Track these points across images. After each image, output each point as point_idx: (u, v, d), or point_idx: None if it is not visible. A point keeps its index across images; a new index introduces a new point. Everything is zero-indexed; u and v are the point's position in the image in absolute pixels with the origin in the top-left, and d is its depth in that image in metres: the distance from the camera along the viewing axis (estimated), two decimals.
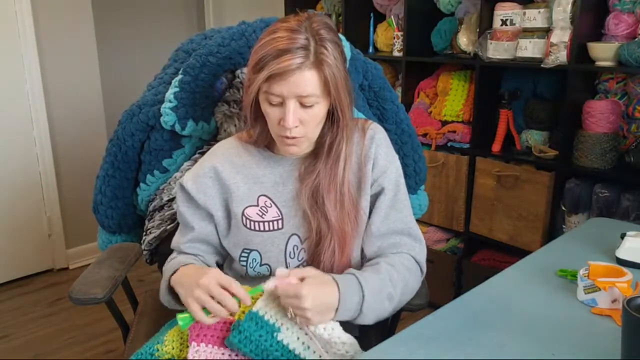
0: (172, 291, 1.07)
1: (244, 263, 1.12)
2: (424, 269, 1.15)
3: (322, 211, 1.07)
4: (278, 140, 1.06)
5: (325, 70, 0.97)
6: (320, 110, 1.01)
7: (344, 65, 1.04)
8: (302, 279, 0.94)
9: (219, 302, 0.94)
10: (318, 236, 1.08)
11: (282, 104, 0.99)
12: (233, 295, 0.95)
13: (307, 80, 0.96)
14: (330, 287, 0.97)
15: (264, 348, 0.95)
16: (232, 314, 0.97)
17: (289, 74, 0.95)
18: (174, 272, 1.06)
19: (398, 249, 1.11)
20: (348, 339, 0.97)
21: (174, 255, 1.17)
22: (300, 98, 0.98)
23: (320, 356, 0.97)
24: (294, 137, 1.02)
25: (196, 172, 1.14)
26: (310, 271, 0.98)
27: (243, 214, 1.10)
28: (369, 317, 1.01)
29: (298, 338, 0.97)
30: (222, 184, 1.12)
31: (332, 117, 1.07)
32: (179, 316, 0.97)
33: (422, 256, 1.14)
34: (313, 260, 1.09)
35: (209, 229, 1.15)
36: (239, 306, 0.96)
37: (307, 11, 1.05)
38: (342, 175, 1.07)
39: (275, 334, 0.95)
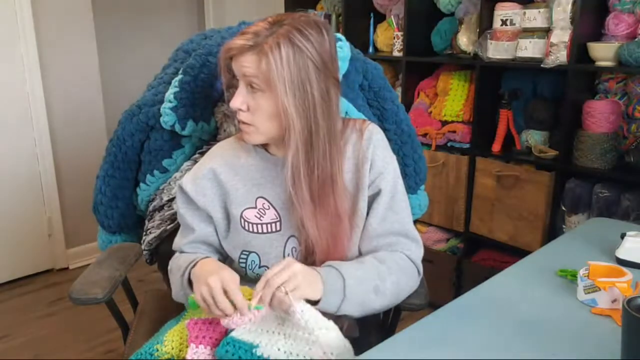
0: (191, 286, 1.07)
1: (243, 265, 1.12)
2: (421, 269, 1.14)
3: (300, 219, 1.07)
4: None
5: (263, 61, 0.98)
6: (265, 101, 1.01)
7: (309, 74, 1.00)
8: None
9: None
10: (305, 242, 1.08)
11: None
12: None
13: (249, 63, 0.99)
14: (312, 270, 0.99)
15: None
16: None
17: (236, 52, 1.00)
18: (194, 266, 1.06)
19: (392, 248, 1.11)
20: (329, 324, 0.95)
21: (177, 255, 1.17)
22: (246, 78, 1.01)
23: (304, 356, 0.96)
24: (244, 123, 1.05)
25: (195, 174, 1.14)
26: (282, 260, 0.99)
27: (241, 216, 1.11)
28: (353, 304, 1.01)
29: (279, 349, 0.95)
30: (221, 186, 1.13)
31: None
32: (191, 296, 1.01)
33: (418, 256, 1.14)
34: (307, 263, 1.09)
35: (209, 230, 1.15)
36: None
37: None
38: (292, 184, 1.04)
39: (254, 350, 0.94)
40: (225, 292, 0.95)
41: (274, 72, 0.98)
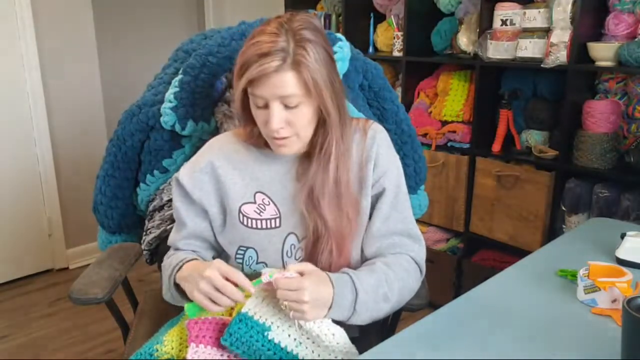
0: (177, 288, 1.07)
1: (240, 260, 1.12)
2: (424, 270, 1.15)
3: (318, 212, 1.07)
4: (269, 141, 1.07)
5: (303, 72, 0.97)
6: (306, 110, 1.01)
7: (331, 65, 1.02)
8: (301, 274, 0.96)
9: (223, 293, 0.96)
10: (315, 236, 1.08)
11: (267, 106, 1.00)
12: (237, 285, 0.96)
13: (287, 82, 0.97)
14: (327, 285, 0.98)
15: (256, 348, 0.96)
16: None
17: (268, 77, 0.96)
18: (179, 269, 1.06)
19: (397, 250, 1.11)
20: (337, 330, 0.98)
21: (171, 252, 1.17)
22: (283, 99, 0.98)
23: (312, 351, 0.97)
24: (283, 138, 1.03)
25: (192, 167, 1.14)
26: (308, 266, 0.99)
27: (240, 210, 1.10)
28: (363, 317, 1.01)
29: (289, 335, 0.98)
30: (218, 180, 1.12)
31: (322, 118, 1.07)
32: (187, 305, 0.99)
33: (422, 257, 1.14)
34: (310, 260, 1.09)
35: (203, 226, 1.14)
36: (244, 295, 0.97)
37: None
38: (335, 176, 1.07)
39: (266, 333, 0.96)
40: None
41: (318, 81, 0.98)
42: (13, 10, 2.54)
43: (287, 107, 0.99)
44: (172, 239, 1.18)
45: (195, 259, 1.09)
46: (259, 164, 1.12)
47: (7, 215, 2.69)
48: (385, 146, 1.14)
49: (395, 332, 1.20)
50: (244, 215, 1.10)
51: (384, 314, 1.06)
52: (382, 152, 1.12)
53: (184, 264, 1.06)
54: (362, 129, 1.13)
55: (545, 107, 2.20)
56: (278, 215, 1.10)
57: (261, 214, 1.10)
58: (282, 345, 0.96)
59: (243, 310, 0.97)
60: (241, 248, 1.12)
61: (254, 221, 1.10)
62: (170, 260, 1.12)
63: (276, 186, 1.11)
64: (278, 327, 0.97)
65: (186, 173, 1.14)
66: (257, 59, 0.96)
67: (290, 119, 1.01)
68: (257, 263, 1.11)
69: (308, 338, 0.98)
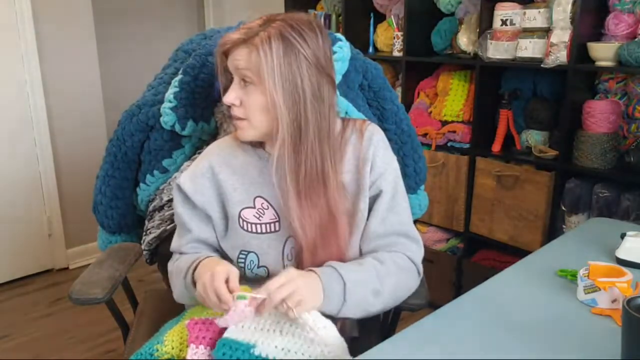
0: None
1: (242, 264, 1.12)
2: (421, 270, 1.14)
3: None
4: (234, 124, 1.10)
5: (253, 53, 1.00)
6: (257, 95, 1.02)
7: (304, 69, 1.01)
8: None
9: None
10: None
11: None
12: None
13: (242, 57, 1.01)
14: (311, 275, 0.98)
15: None
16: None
17: (230, 47, 1.03)
18: (196, 267, 1.06)
19: (393, 249, 1.11)
20: (328, 322, 0.96)
21: (176, 256, 1.16)
22: (239, 73, 1.02)
23: (302, 354, 0.96)
24: (237, 118, 1.06)
25: (193, 172, 1.14)
26: (283, 271, 0.98)
27: (240, 215, 1.10)
28: (354, 310, 1.01)
29: (276, 346, 0.95)
30: (219, 184, 1.12)
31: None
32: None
33: (419, 257, 1.13)
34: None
35: (207, 231, 1.14)
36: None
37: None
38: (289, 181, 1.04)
39: (251, 351, 0.95)
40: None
41: (263, 64, 0.99)
42: (13, 10, 2.54)
43: (244, 82, 1.03)
44: (175, 244, 1.17)
45: (209, 256, 1.10)
46: (258, 168, 1.12)
47: (7, 215, 2.69)
48: (382, 147, 1.13)
49: (395, 332, 1.20)
50: (243, 220, 1.10)
51: (377, 309, 1.05)
52: (379, 154, 1.12)
53: (199, 263, 1.06)
54: (359, 130, 1.13)
55: (545, 107, 2.20)
56: (277, 219, 1.10)
57: (260, 218, 1.10)
58: (270, 357, 0.95)
59: (225, 336, 0.96)
60: (242, 252, 1.11)
61: (253, 226, 1.10)
62: (179, 264, 1.12)
63: (274, 190, 1.11)
64: (262, 342, 0.96)
65: (187, 178, 1.13)
66: (231, 33, 1.03)
67: (243, 99, 1.04)
68: (258, 267, 1.11)
69: (295, 343, 0.96)
